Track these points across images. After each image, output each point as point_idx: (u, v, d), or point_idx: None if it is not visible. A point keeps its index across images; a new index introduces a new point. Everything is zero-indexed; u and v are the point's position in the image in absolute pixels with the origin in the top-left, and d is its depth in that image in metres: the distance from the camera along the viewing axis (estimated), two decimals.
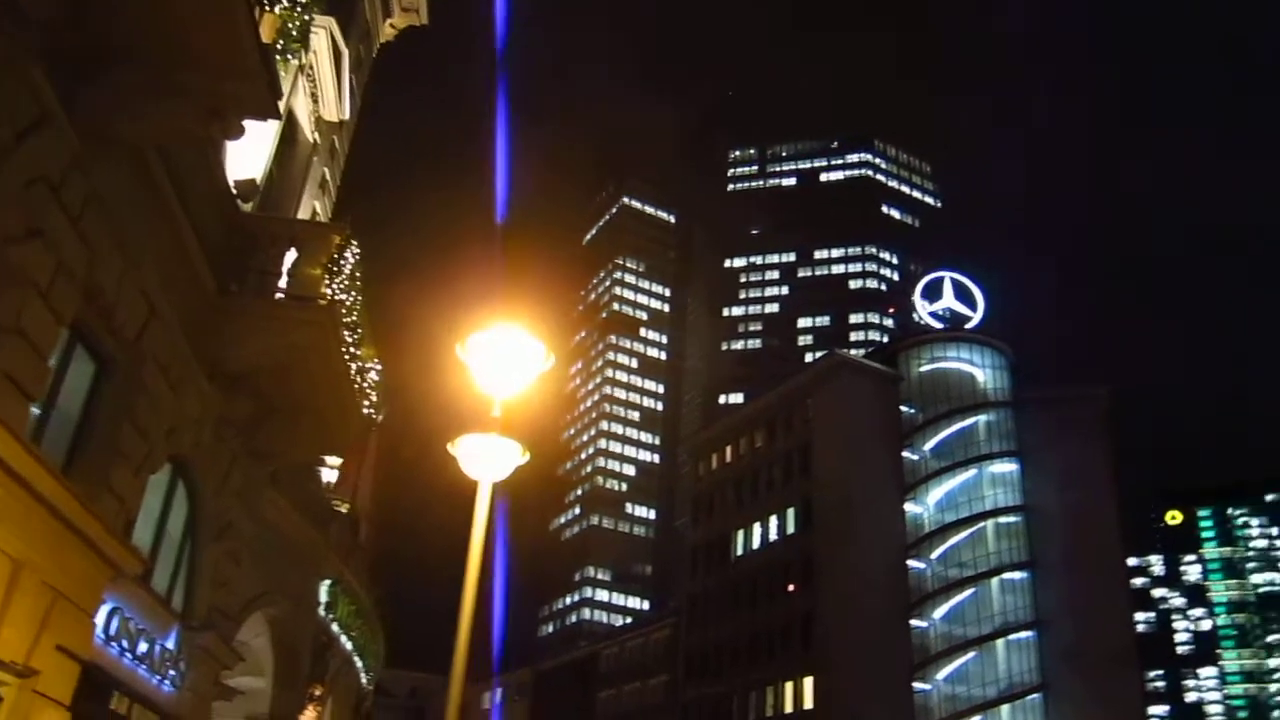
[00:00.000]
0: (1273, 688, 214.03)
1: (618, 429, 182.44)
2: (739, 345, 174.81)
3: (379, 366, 15.43)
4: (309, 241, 12.67)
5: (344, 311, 12.75)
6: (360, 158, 22.80)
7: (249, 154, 13.72)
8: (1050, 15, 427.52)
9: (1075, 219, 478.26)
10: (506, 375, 8.68)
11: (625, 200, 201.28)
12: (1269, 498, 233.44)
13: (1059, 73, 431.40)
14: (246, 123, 9.35)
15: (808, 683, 64.63)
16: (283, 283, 12.20)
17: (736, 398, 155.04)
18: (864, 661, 63.09)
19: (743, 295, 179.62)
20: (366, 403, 14.36)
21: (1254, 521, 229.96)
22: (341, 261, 12.63)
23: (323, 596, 20.59)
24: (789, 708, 65.83)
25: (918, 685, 65.55)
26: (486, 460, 8.58)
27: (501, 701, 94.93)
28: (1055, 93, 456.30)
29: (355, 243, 12.98)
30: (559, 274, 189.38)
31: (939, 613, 67.92)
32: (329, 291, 12.32)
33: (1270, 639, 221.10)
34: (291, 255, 12.35)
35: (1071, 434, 72.55)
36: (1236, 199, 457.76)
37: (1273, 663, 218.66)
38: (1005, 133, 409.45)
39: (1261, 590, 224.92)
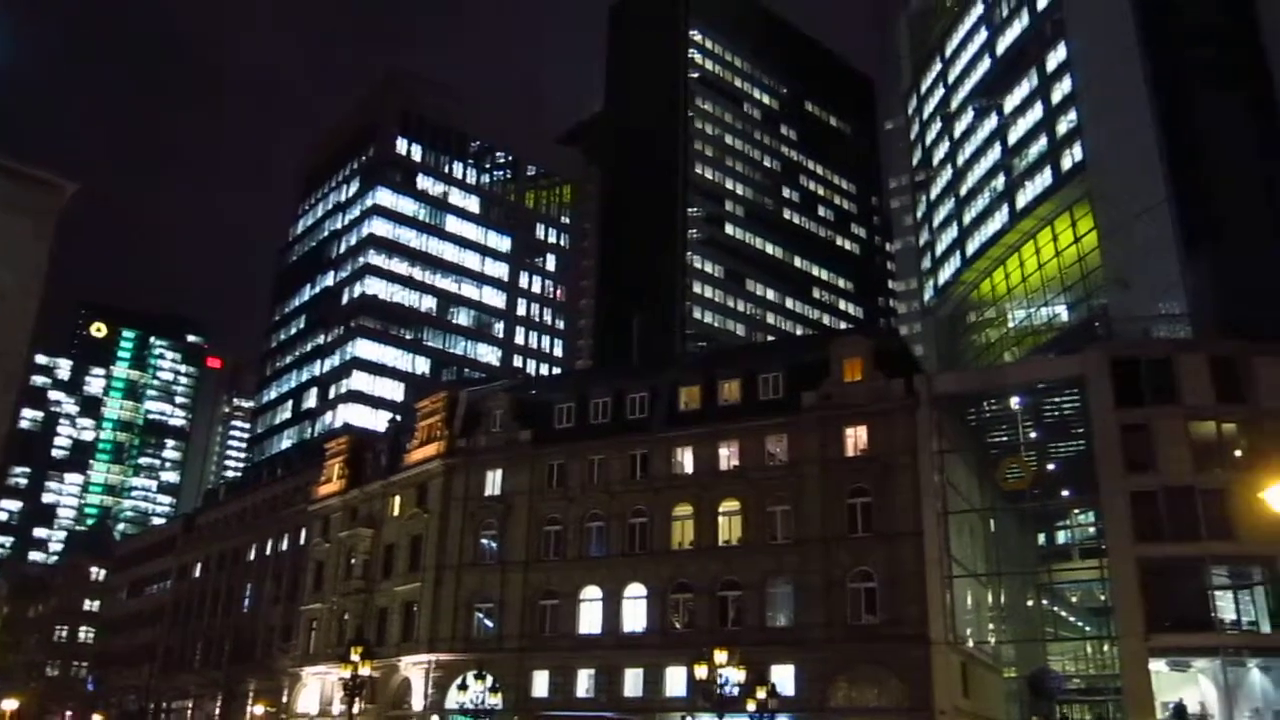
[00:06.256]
0: (126, 503, 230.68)
1: None
2: None
3: None
4: None
5: None
6: None
7: None
8: None
9: None
10: None
11: None
12: (191, 338, 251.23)
13: None
14: None
15: None
16: None
17: None
18: None
19: None
20: None
21: (170, 355, 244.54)
22: None
23: None
24: None
25: None
26: None
27: None
28: None
29: None
30: None
31: None
32: None
33: (142, 460, 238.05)
34: None
35: (22, 217, 69.30)
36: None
37: (135, 480, 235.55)
38: None
39: (151, 417, 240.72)
